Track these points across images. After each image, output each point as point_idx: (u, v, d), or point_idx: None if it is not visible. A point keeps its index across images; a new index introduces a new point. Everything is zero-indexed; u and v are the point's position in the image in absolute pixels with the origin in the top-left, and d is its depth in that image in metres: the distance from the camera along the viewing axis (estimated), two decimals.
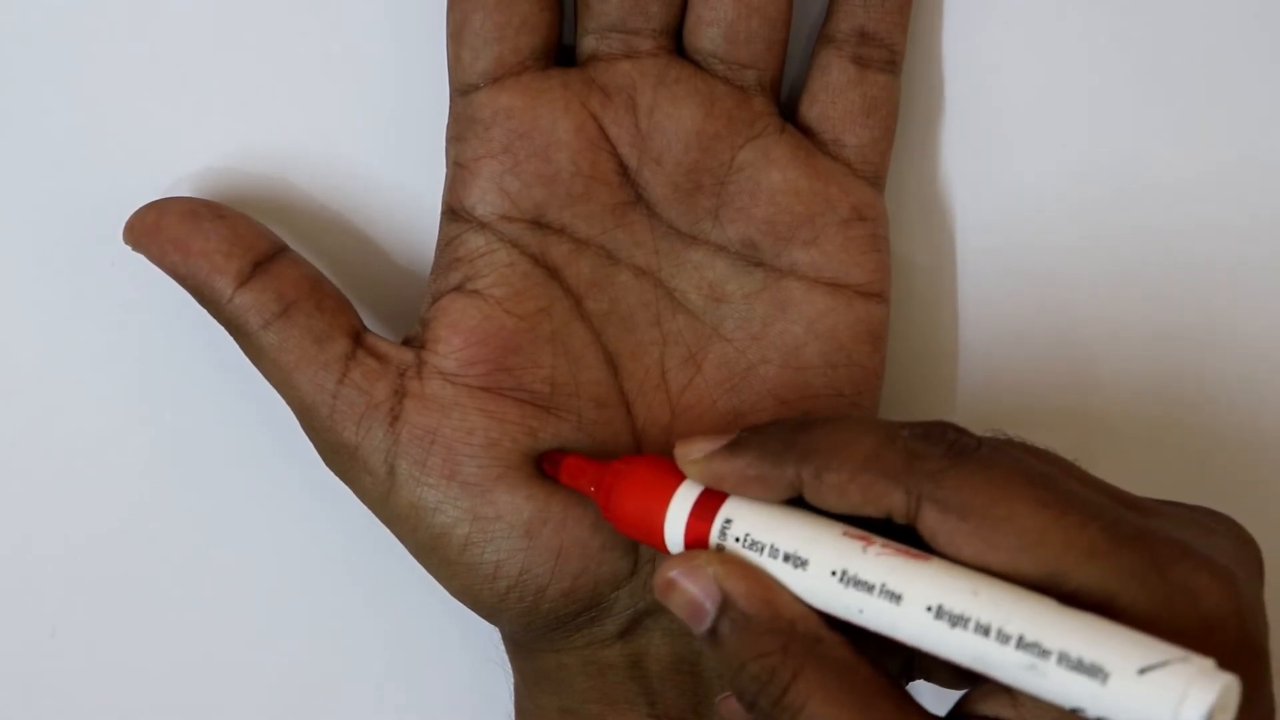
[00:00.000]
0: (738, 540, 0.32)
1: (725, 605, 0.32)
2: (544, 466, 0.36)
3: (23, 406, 0.40)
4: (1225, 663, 0.28)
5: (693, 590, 0.33)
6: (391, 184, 0.39)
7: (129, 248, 0.37)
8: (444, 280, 0.37)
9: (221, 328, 0.37)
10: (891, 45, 0.38)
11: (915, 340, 0.41)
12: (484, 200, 0.37)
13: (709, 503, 0.33)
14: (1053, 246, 0.41)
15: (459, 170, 0.37)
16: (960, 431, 0.32)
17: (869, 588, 0.31)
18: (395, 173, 0.39)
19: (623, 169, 0.37)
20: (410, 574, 0.37)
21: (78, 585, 0.40)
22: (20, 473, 0.40)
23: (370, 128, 0.39)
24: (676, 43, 0.38)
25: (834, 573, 0.31)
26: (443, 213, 0.38)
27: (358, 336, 0.37)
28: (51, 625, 0.41)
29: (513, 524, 0.36)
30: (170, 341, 0.40)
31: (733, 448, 0.33)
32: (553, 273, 0.37)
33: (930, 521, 0.31)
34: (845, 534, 0.31)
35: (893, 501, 0.31)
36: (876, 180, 0.38)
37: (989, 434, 0.33)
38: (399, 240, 0.40)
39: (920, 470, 0.31)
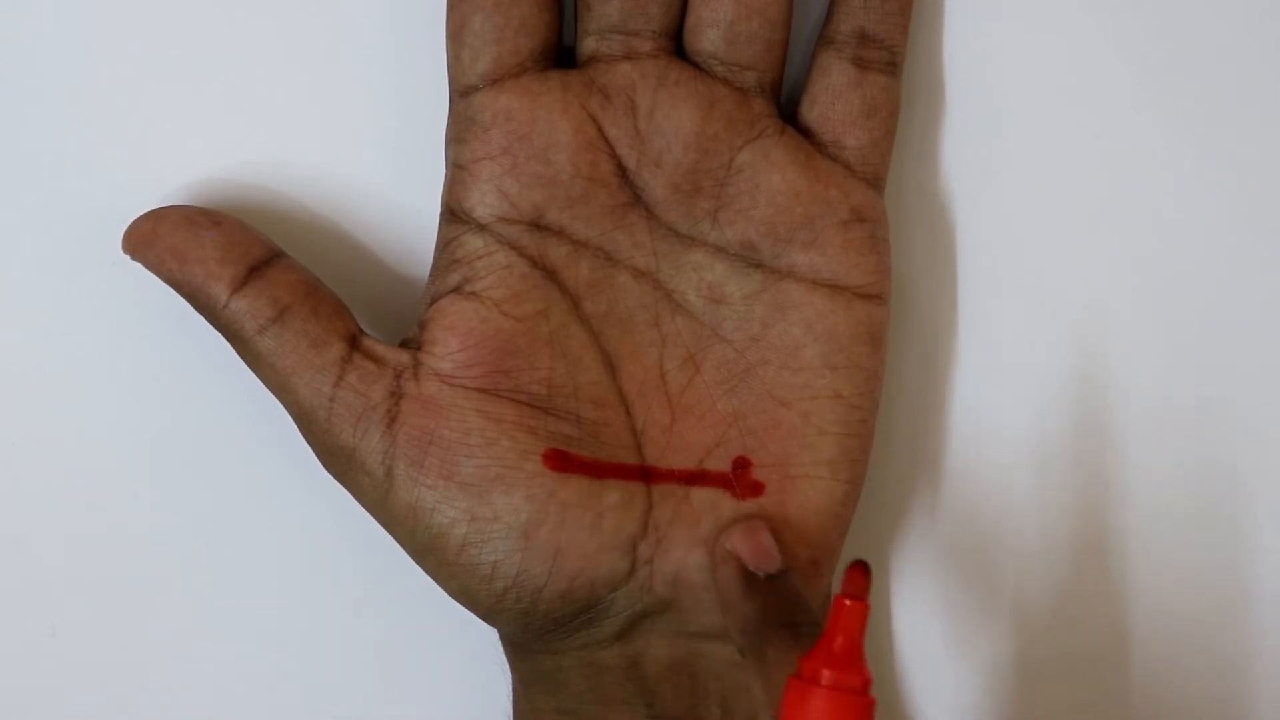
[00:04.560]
0: None
1: None
2: (548, 464, 0.36)
3: (23, 406, 0.40)
4: None
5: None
6: (390, 186, 0.39)
7: (128, 256, 0.37)
8: (442, 282, 0.37)
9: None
10: (892, 47, 0.38)
11: (915, 341, 0.41)
12: (483, 202, 0.37)
13: None
14: (1053, 247, 0.41)
15: (458, 172, 0.37)
16: None
17: None
18: (394, 175, 0.39)
19: (622, 170, 0.37)
20: (409, 575, 0.37)
21: (78, 585, 0.40)
22: (20, 473, 0.40)
23: (369, 130, 0.39)
24: (677, 44, 0.38)
25: None
26: (442, 214, 0.38)
27: (354, 340, 0.37)
28: (51, 625, 0.41)
29: (510, 525, 0.36)
30: (171, 342, 0.40)
31: None
32: (551, 274, 0.37)
33: None
34: None
35: None
36: (876, 182, 0.38)
37: None
38: (398, 243, 0.40)
39: None
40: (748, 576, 0.36)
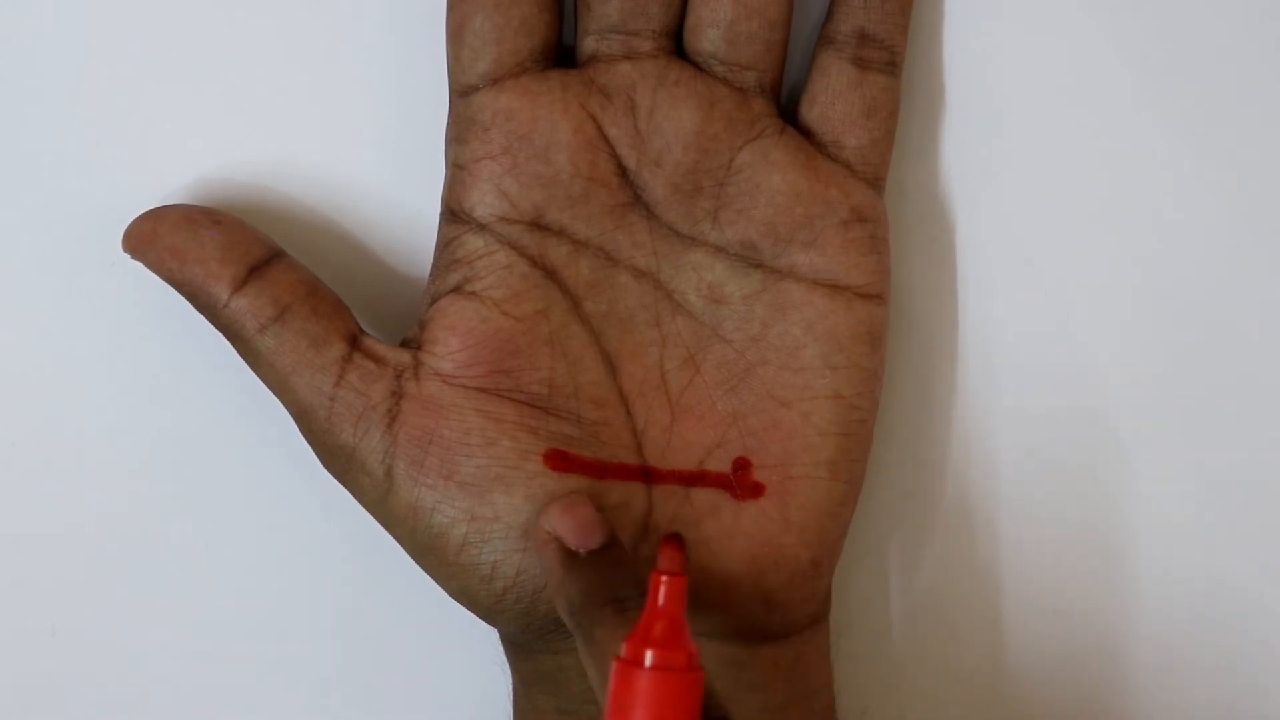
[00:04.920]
0: None
1: None
2: (549, 464, 0.36)
3: (23, 406, 0.40)
4: None
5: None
6: (390, 186, 0.39)
7: (128, 255, 0.37)
8: (442, 282, 0.37)
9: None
10: (891, 46, 0.38)
11: (915, 341, 0.41)
12: (483, 202, 0.37)
13: None
14: (1052, 246, 0.41)
15: (458, 172, 0.37)
16: None
17: None
18: (394, 175, 0.39)
19: (622, 170, 0.37)
20: (409, 575, 0.37)
21: (78, 585, 0.40)
22: (20, 472, 0.40)
23: (369, 130, 0.39)
24: (677, 44, 0.38)
25: None
26: (442, 214, 0.38)
27: (354, 340, 0.37)
28: (51, 625, 0.41)
29: (510, 525, 0.36)
30: (171, 342, 0.40)
31: None
32: (551, 274, 0.37)
33: None
34: None
35: None
36: (876, 182, 0.38)
37: None
38: (398, 243, 0.40)
39: None
40: (569, 556, 0.35)
